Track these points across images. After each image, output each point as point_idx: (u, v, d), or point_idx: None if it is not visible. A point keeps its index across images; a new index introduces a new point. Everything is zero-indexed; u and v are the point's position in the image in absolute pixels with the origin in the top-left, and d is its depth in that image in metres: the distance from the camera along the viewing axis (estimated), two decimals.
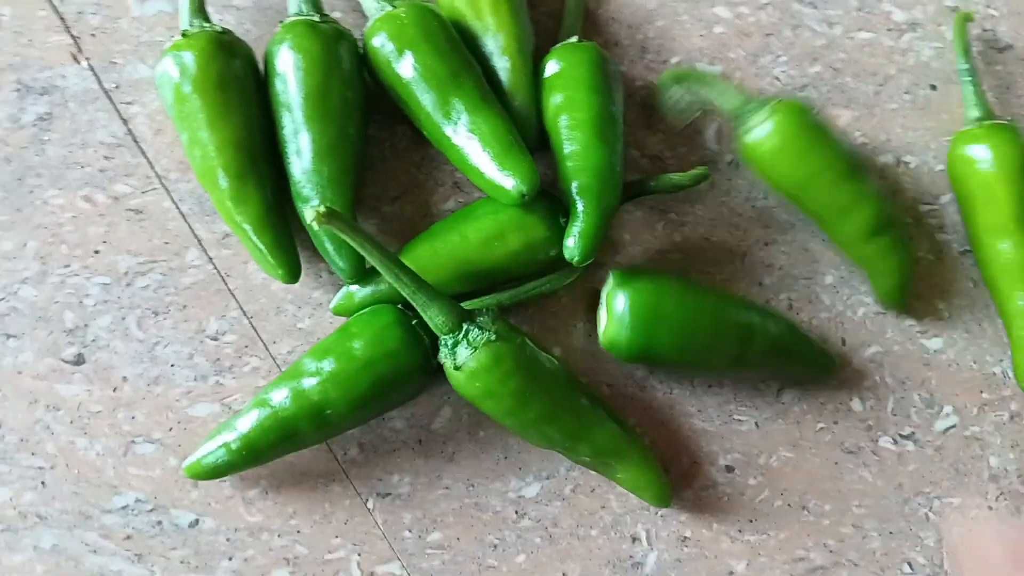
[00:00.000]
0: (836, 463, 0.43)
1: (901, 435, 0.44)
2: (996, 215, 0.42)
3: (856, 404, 0.44)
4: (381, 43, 0.39)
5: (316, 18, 0.40)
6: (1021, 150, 0.42)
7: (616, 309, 0.39)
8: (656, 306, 0.39)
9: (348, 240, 0.35)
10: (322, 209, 0.33)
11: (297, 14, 0.40)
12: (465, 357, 0.37)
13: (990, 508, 0.43)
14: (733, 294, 0.43)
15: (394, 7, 0.40)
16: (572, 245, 0.39)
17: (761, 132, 0.41)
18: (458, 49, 0.40)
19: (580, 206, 0.39)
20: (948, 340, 0.45)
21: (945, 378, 0.44)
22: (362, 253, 0.36)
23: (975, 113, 0.44)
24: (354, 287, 0.40)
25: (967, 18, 0.45)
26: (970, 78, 0.44)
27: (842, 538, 0.43)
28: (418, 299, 0.37)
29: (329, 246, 0.39)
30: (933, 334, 0.45)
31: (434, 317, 0.37)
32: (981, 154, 0.42)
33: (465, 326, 0.37)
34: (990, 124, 0.43)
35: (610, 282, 0.40)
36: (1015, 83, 0.46)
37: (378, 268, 0.36)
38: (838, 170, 0.41)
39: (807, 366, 0.43)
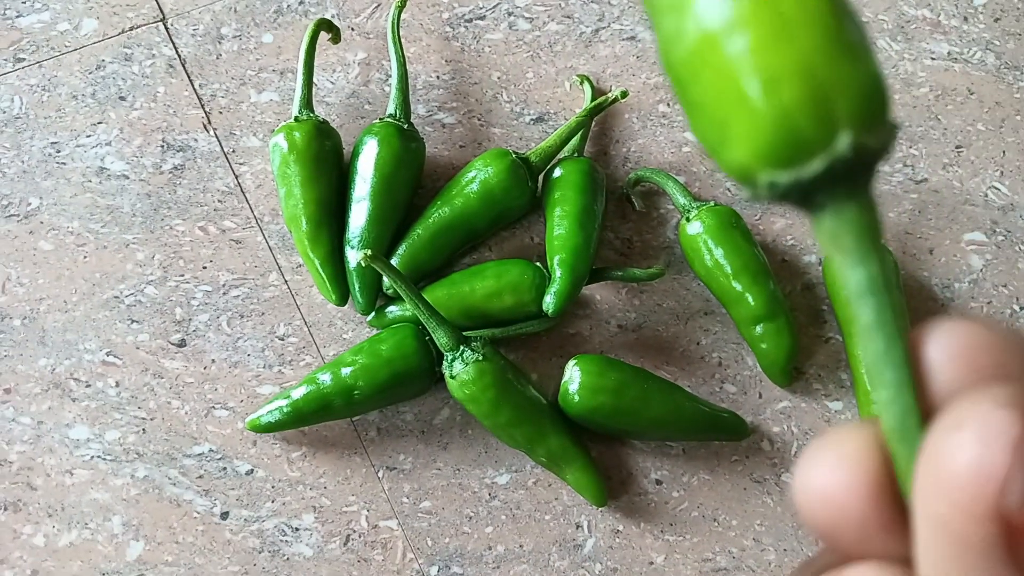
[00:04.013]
0: (745, 488, 0.55)
1: None
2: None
3: (766, 445, 0.56)
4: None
5: (404, 125, 0.55)
6: None
7: (571, 381, 0.52)
8: (599, 381, 0.51)
9: (385, 275, 0.49)
10: (370, 252, 0.48)
11: (390, 115, 0.55)
12: (459, 369, 0.50)
13: None
14: (666, 380, 0.54)
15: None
16: (549, 301, 0.52)
17: (690, 227, 0.55)
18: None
19: (558, 273, 0.53)
20: (847, 404, 0.57)
21: None
22: (394, 286, 0.50)
23: None
24: (390, 309, 0.54)
25: None
26: None
27: (744, 548, 0.54)
28: (431, 323, 0.50)
29: (356, 287, 0.53)
30: (835, 398, 0.57)
31: (441, 338, 0.50)
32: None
33: (462, 347, 0.50)
34: None
35: (571, 362, 0.52)
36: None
37: (404, 297, 0.50)
38: (736, 265, 0.53)
39: (725, 433, 0.54)
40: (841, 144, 0.16)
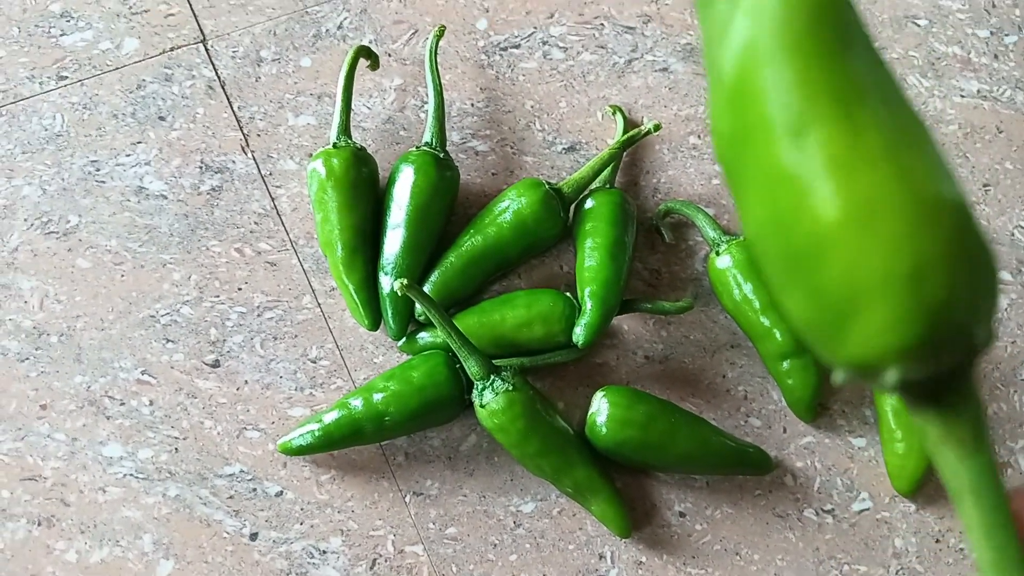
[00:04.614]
0: (767, 523, 0.56)
1: (823, 509, 0.56)
2: None
3: (789, 480, 0.56)
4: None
5: (440, 154, 0.55)
6: None
7: (599, 413, 0.52)
8: (627, 414, 0.52)
9: (420, 304, 0.50)
10: (405, 281, 0.48)
11: (426, 144, 0.56)
12: (489, 399, 0.51)
13: None
14: (692, 414, 0.55)
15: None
16: (579, 332, 0.53)
17: (720, 261, 0.55)
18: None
19: (589, 305, 0.53)
20: (871, 440, 0.57)
21: (865, 470, 0.57)
22: (428, 314, 0.50)
23: None
24: (421, 335, 0.55)
25: None
26: None
27: None
28: (462, 352, 0.51)
29: (389, 312, 0.54)
30: (859, 434, 0.57)
31: (471, 366, 0.51)
32: None
33: (492, 376, 0.51)
34: None
35: (599, 393, 0.53)
36: None
37: (437, 326, 0.50)
38: (765, 300, 0.53)
39: (749, 467, 0.55)
40: (981, 336, 0.14)
